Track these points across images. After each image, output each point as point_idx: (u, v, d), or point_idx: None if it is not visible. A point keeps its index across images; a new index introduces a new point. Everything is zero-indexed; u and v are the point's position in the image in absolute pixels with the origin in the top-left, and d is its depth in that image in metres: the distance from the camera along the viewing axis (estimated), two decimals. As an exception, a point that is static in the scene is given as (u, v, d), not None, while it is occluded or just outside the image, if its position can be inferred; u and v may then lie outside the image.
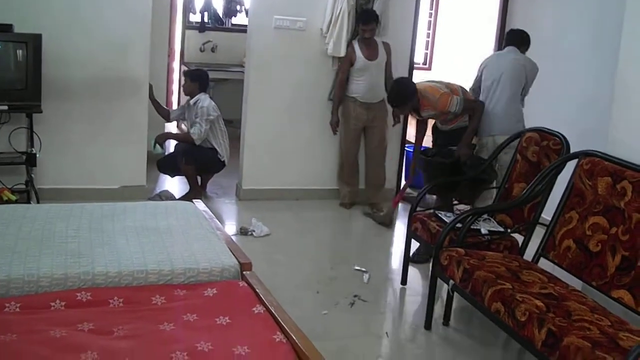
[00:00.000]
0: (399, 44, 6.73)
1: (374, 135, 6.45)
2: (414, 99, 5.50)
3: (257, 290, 3.10)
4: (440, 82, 5.65)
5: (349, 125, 6.37)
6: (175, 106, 8.77)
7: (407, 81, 5.71)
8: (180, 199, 6.11)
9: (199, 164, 6.30)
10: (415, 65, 7.16)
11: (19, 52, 5.51)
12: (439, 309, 4.42)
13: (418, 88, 5.54)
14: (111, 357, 2.52)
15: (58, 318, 2.81)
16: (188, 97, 6.49)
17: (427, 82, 5.72)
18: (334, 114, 6.46)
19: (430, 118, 5.74)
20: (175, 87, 9.18)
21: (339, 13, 6.31)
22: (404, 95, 5.54)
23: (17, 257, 3.20)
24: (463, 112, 5.54)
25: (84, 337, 2.66)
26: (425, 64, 11.09)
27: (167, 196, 6.26)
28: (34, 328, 2.71)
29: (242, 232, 5.61)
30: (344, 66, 6.33)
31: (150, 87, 6.28)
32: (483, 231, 4.55)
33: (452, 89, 5.55)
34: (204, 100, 6.32)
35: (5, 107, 5.44)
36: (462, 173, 5.32)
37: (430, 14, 10.91)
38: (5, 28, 5.48)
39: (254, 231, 5.61)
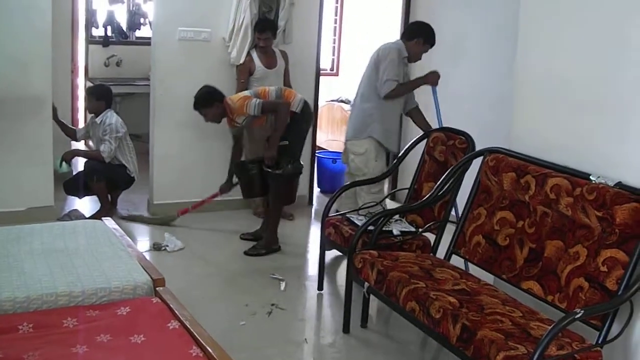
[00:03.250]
0: (304, 50, 6.78)
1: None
2: (217, 103, 5.61)
3: (171, 305, 3.07)
4: (256, 89, 5.83)
5: (253, 133, 6.36)
6: (81, 124, 8.59)
7: (211, 89, 5.70)
8: (90, 217, 5.98)
9: (109, 181, 6.19)
10: (322, 71, 7.22)
11: None
12: (356, 312, 4.44)
13: (227, 98, 5.67)
14: (23, 385, 2.46)
15: (-36, 349, 2.72)
16: (92, 115, 6.38)
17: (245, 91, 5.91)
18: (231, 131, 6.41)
19: (247, 125, 5.79)
20: (80, 104, 8.98)
21: (242, 22, 6.31)
22: (210, 95, 5.63)
23: None
24: (267, 114, 5.60)
25: (-7, 367, 2.59)
26: (333, 70, 11.15)
27: (76, 215, 6.12)
28: (-62, 361, 2.62)
29: (156, 247, 5.54)
30: (243, 75, 6.33)
31: (54, 109, 6.12)
32: (395, 232, 4.63)
33: (260, 93, 5.66)
34: (111, 117, 6.21)
35: None
36: (274, 176, 5.52)
37: (335, 20, 10.97)
38: None
39: (167, 246, 5.55)
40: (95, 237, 3.84)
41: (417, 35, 5.50)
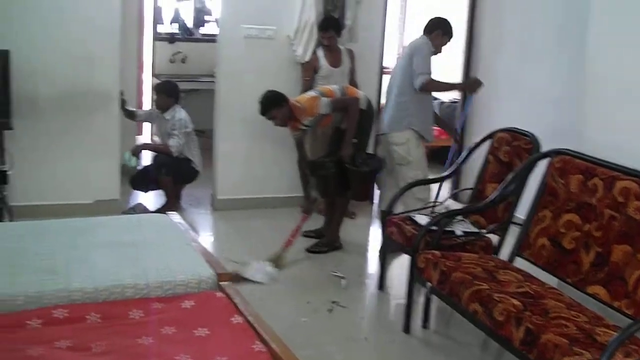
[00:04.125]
0: (368, 49, 6.77)
1: None
2: (281, 106, 5.55)
3: (235, 300, 3.10)
4: (318, 89, 5.75)
5: (316, 133, 6.37)
6: (147, 126, 8.77)
7: (275, 92, 5.65)
8: (155, 211, 6.07)
9: (176, 175, 6.29)
10: (385, 70, 7.20)
11: (-14, 70, 5.47)
12: (417, 312, 4.43)
13: (291, 99, 5.63)
14: (89, 373, 2.51)
15: (35, 336, 2.78)
16: (157, 109, 6.48)
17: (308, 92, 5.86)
18: (293, 136, 6.41)
19: (315, 125, 5.73)
20: (145, 99, 9.12)
21: (307, 20, 6.33)
22: (270, 102, 5.57)
23: (-10, 276, 3.17)
24: (337, 111, 5.56)
25: (62, 355, 2.64)
26: (396, 68, 11.11)
27: (141, 209, 6.23)
28: (11, 347, 2.68)
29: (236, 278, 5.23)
30: (308, 73, 6.34)
31: (122, 97, 6.30)
32: (458, 232, 4.59)
33: (325, 92, 5.59)
34: (179, 112, 6.32)
35: (-25, 125, 5.40)
36: (357, 173, 5.46)
37: (400, 18, 10.94)
38: (-29, 45, 5.44)
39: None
40: (160, 230, 3.89)
41: (436, 27, 5.66)
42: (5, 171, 5.54)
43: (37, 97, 5.85)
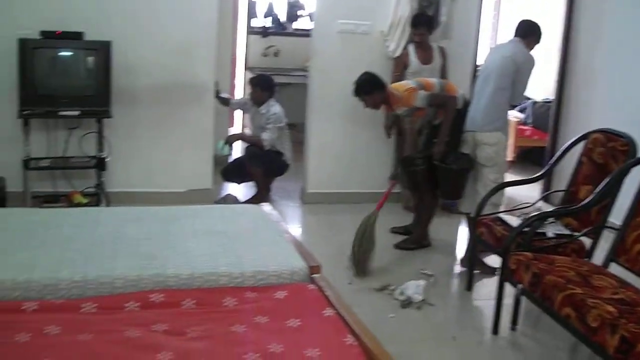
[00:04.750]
0: (462, 47, 6.70)
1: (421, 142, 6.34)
2: (379, 91, 5.48)
3: (326, 293, 3.11)
4: (418, 80, 5.62)
5: (403, 135, 6.35)
6: (239, 114, 8.86)
7: (374, 74, 5.58)
8: (245, 202, 6.17)
9: (267, 167, 6.36)
10: (478, 68, 7.10)
11: (89, 60, 5.67)
12: (505, 314, 4.37)
13: (389, 85, 5.58)
14: (186, 358, 2.56)
15: (133, 319, 2.87)
16: (249, 100, 6.57)
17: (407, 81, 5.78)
18: (386, 117, 6.43)
19: (407, 116, 5.70)
20: (237, 92, 9.25)
21: (401, 16, 6.32)
22: (369, 84, 5.50)
23: (91, 258, 3.28)
24: (433, 107, 5.49)
25: (159, 338, 2.71)
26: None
27: (232, 200, 6.34)
28: (110, 328, 2.77)
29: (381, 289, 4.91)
30: (398, 68, 6.32)
31: (217, 89, 6.44)
32: (550, 234, 4.50)
33: (424, 84, 5.49)
34: (275, 106, 6.40)
35: (77, 113, 5.59)
36: (446, 170, 5.38)
37: (494, 15, 10.78)
38: (76, 36, 5.63)
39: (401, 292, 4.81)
40: (253, 221, 3.95)
41: (532, 33, 5.40)
42: (104, 158, 5.74)
43: (135, 87, 6.02)
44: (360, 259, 5.10)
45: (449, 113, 5.40)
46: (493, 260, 5.17)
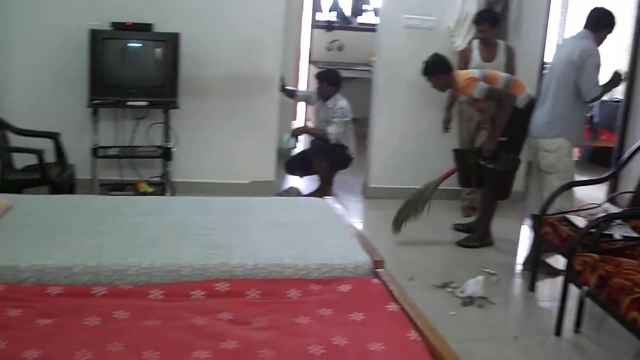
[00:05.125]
0: (528, 45, 6.60)
1: (480, 137, 6.24)
2: (444, 73, 5.45)
3: (390, 288, 3.11)
4: (484, 71, 5.55)
5: (462, 126, 6.29)
6: (301, 107, 8.92)
7: (440, 59, 5.53)
8: (308, 195, 6.20)
9: (332, 160, 6.37)
10: (546, 66, 7.00)
11: (158, 51, 5.76)
12: (568, 315, 4.30)
13: (455, 72, 5.51)
14: (250, 347, 2.58)
15: (199, 307, 2.90)
16: (315, 94, 6.58)
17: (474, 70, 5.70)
18: (445, 111, 6.35)
19: (469, 105, 5.69)
20: (301, 86, 9.28)
21: (468, 12, 6.26)
22: (434, 66, 5.48)
23: (159, 246, 3.34)
24: (491, 101, 5.41)
25: (224, 326, 2.74)
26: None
27: (294, 192, 6.38)
28: (177, 315, 2.81)
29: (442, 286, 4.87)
30: (461, 62, 6.25)
31: (283, 82, 6.49)
32: (617, 236, 4.41)
33: (488, 76, 5.41)
34: (342, 101, 6.42)
35: (144, 103, 5.69)
36: (488, 170, 5.32)
37: (562, 12, 10.61)
38: (146, 27, 5.72)
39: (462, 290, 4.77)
40: (318, 214, 3.97)
41: (604, 24, 5.13)
42: (170, 148, 5.82)
43: (202, 79, 6.10)
44: (401, 216, 5.23)
45: (504, 110, 5.31)
46: (556, 261, 5.10)
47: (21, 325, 2.70)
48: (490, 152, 5.36)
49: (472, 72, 5.56)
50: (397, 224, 5.34)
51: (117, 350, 2.55)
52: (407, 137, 6.54)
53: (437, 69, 5.48)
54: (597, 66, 5.04)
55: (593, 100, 5.22)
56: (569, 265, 4.12)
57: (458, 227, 5.80)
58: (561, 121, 5.14)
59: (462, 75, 5.49)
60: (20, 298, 2.90)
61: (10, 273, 3.07)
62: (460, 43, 6.34)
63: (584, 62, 5.00)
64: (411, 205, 5.30)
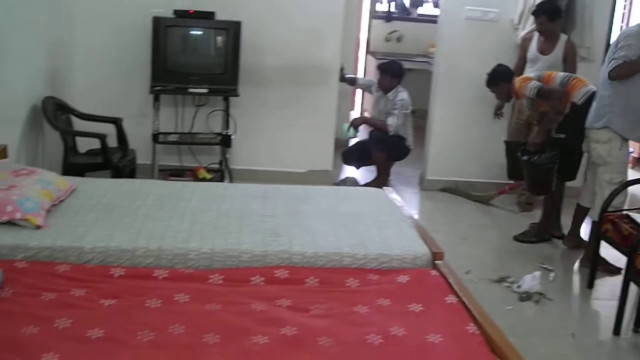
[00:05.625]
0: (594, 39, 6.44)
1: (533, 133, 6.14)
2: (505, 83, 5.51)
3: (449, 280, 3.10)
4: (541, 72, 5.50)
5: (513, 118, 6.20)
6: (358, 94, 8.91)
7: (504, 68, 5.63)
8: (365, 185, 6.20)
9: (390, 151, 6.36)
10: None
11: (219, 39, 5.81)
12: (627, 315, 4.23)
13: (516, 78, 5.50)
14: (309, 334, 2.60)
15: (258, 292, 2.94)
16: (376, 84, 6.56)
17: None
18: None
19: (532, 108, 5.57)
20: (359, 76, 9.27)
21: (532, 3, 6.15)
22: (495, 76, 5.54)
23: (219, 232, 3.38)
24: (542, 99, 5.32)
25: (283, 313, 2.77)
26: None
27: (351, 182, 6.39)
28: (237, 300, 2.85)
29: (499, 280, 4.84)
30: (521, 51, 6.15)
31: (342, 71, 6.51)
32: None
33: (544, 77, 5.35)
34: (403, 93, 6.39)
35: (205, 90, 5.73)
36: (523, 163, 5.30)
37: (625, 5, 10.41)
38: (208, 15, 5.77)
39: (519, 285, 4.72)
40: (376, 204, 3.97)
41: None
42: (229, 135, 5.87)
43: (262, 67, 6.14)
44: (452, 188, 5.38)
45: (551, 108, 5.27)
46: (616, 259, 5.01)
47: (85, 305, 2.77)
48: (534, 147, 5.31)
49: (529, 74, 5.55)
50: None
51: (178, 332, 2.60)
52: (466, 129, 6.48)
53: (498, 79, 5.55)
54: (629, 45, 4.76)
55: (617, 77, 4.82)
56: (630, 263, 4.05)
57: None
58: (607, 109, 4.95)
59: (519, 78, 5.48)
60: (84, 278, 2.97)
61: (74, 254, 3.15)
62: (522, 35, 6.24)
63: (619, 41, 4.84)
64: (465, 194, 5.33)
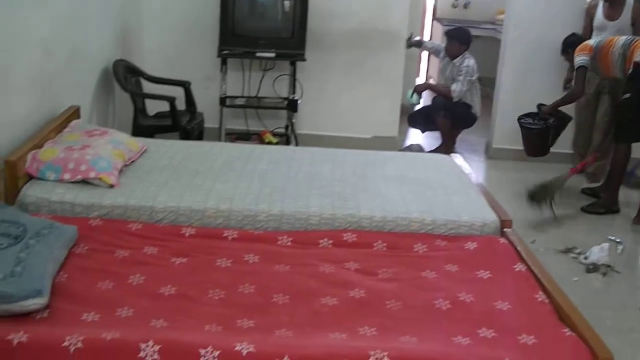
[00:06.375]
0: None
1: (603, 104, 5.98)
2: (569, 52, 5.60)
3: (517, 248, 3.08)
4: (602, 39, 5.43)
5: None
6: (424, 60, 8.82)
7: (575, 36, 5.73)
8: (430, 152, 6.16)
9: (455, 118, 6.30)
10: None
11: (287, 3, 5.80)
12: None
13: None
14: (377, 297, 2.63)
15: (326, 255, 2.97)
16: (443, 50, 6.48)
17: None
18: (568, 72, 6.11)
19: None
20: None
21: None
22: (568, 45, 5.63)
23: (288, 194, 3.42)
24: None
25: (351, 276, 2.80)
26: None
27: (417, 149, 6.35)
28: (305, 262, 2.88)
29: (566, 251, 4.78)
30: (586, 19, 5.99)
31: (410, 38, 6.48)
32: None
33: (601, 45, 5.33)
34: (469, 60, 6.28)
35: (272, 55, 5.75)
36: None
37: None
38: (276, -21, 5.77)
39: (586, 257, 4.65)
40: (444, 171, 3.96)
41: None
42: (296, 100, 5.88)
43: (330, 32, 6.12)
44: (537, 196, 5.33)
45: (573, 89, 5.54)
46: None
47: (157, 263, 2.83)
48: (543, 112, 5.70)
49: (589, 41, 5.47)
50: (534, 200, 5.35)
51: (248, 291, 2.64)
52: (536, 98, 6.33)
53: (568, 47, 5.60)
54: None
55: None
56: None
57: (586, 191, 5.65)
58: None
59: (578, 47, 5.43)
60: (156, 237, 3.04)
61: (146, 213, 3.22)
62: (588, 4, 6.07)
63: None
64: (546, 191, 5.29)
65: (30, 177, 3.39)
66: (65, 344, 2.18)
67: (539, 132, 5.69)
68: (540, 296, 2.68)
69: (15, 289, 2.32)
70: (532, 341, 2.39)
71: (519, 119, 5.77)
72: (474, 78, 6.24)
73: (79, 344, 2.19)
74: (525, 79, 6.34)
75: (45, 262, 2.54)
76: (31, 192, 3.26)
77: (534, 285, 2.78)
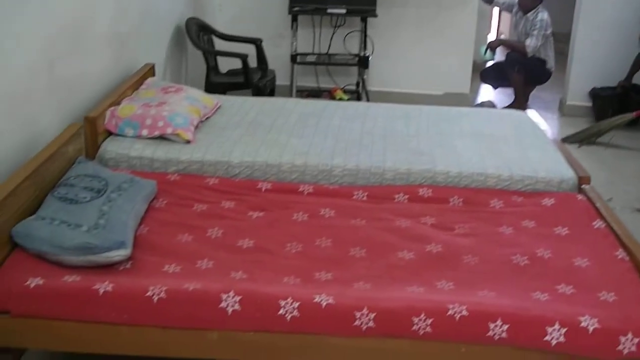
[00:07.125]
0: None
1: None
2: None
3: (596, 204, 3.02)
4: None
5: None
6: (495, 21, 8.64)
7: None
8: (503, 109, 6.08)
9: (528, 74, 6.18)
10: None
11: (358, -42, 5.74)
12: None
13: None
14: (454, 252, 2.62)
15: (402, 210, 2.97)
16: (517, 4, 6.34)
17: None
18: None
19: None
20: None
21: None
22: None
23: (363, 149, 3.42)
24: None
25: (427, 230, 2.79)
26: None
27: (489, 105, 6.26)
28: (381, 216, 2.89)
29: None
30: None
31: None
32: None
33: None
34: (543, 13, 6.14)
35: (343, 11, 5.72)
36: None
37: None
38: None
39: None
40: (519, 127, 3.89)
41: None
42: (367, 57, 5.85)
43: (402, -14, 6.05)
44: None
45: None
46: None
47: (235, 217, 2.88)
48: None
49: None
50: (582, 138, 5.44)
51: (325, 245, 2.67)
52: (612, 53, 6.18)
53: None
54: None
55: None
56: None
57: None
58: None
59: None
60: (232, 191, 3.08)
61: (223, 168, 3.26)
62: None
63: None
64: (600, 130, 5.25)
65: (109, 133, 3.46)
66: (149, 293, 2.24)
67: None
68: (620, 253, 2.64)
69: (100, 241, 2.39)
70: (612, 298, 2.36)
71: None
72: (548, 32, 6.10)
73: (162, 294, 2.24)
74: (601, 33, 6.16)
75: (127, 215, 2.60)
76: (111, 148, 3.33)
77: (613, 242, 2.73)
